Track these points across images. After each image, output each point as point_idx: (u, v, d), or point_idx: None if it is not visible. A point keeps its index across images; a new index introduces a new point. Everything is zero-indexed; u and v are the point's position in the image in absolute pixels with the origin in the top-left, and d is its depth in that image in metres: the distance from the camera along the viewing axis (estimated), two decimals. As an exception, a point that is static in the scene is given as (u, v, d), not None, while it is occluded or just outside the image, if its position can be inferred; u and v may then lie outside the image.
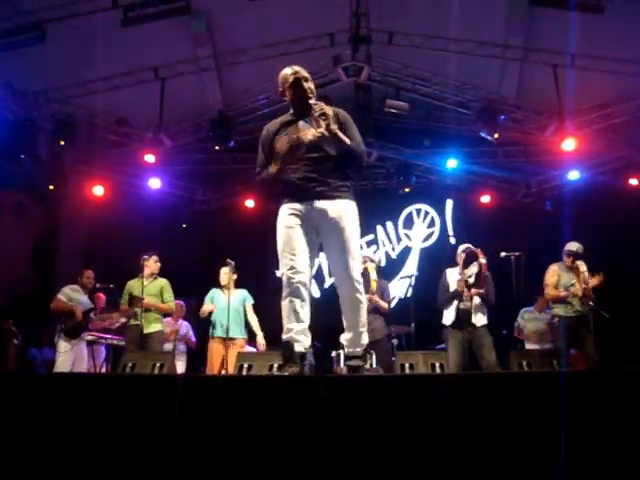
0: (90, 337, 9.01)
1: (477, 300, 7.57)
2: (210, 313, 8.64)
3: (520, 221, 12.73)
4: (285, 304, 4.51)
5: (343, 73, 11.01)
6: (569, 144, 10.99)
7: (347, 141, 4.50)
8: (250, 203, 13.80)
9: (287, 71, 4.69)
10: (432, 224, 13.98)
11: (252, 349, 9.02)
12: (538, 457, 3.54)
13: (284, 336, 4.52)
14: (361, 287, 4.58)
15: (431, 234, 14.01)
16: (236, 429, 3.75)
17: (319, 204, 4.49)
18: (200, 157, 13.29)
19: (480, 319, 7.55)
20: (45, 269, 11.82)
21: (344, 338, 4.70)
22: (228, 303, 8.25)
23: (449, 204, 14.06)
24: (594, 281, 7.76)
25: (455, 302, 7.66)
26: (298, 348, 4.47)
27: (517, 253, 8.20)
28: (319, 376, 4.80)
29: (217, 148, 11.70)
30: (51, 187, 12.30)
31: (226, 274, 8.59)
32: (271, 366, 5.58)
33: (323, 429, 3.63)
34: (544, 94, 11.10)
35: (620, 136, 11.77)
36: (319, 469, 3.58)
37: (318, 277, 14.11)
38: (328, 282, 14.09)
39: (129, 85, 10.99)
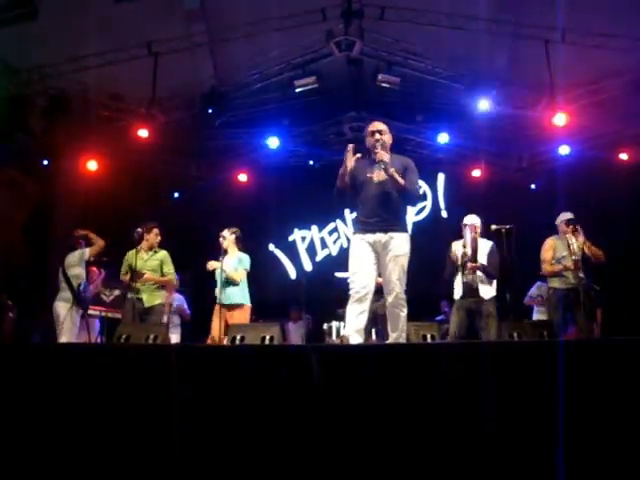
0: (89, 310, 9.15)
1: (480, 272, 7.71)
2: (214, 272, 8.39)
3: (511, 195, 12.83)
4: (350, 308, 5.70)
5: (335, 48, 11.01)
6: (560, 119, 11.01)
7: (401, 181, 5.75)
8: (243, 177, 13.88)
9: (371, 125, 6.14)
10: (424, 198, 14.03)
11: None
12: (528, 427, 3.66)
13: (344, 332, 5.80)
14: (403, 301, 5.78)
15: (423, 208, 14.09)
16: (229, 397, 3.85)
17: (381, 236, 5.74)
18: (193, 132, 13.29)
19: (487, 291, 7.70)
20: (39, 244, 11.85)
21: (391, 337, 5.81)
22: (221, 268, 8.15)
23: (441, 178, 14.15)
24: (580, 238, 7.84)
25: (459, 275, 7.79)
26: (352, 341, 5.52)
27: (508, 226, 8.23)
28: (311, 345, 4.91)
29: (210, 111, 11.63)
30: (45, 162, 12.33)
31: (224, 239, 8.47)
32: (263, 337, 5.68)
33: (317, 396, 3.73)
34: (535, 69, 11.10)
35: (611, 111, 11.79)
36: (314, 435, 3.69)
37: (310, 251, 14.20)
38: (320, 255, 14.19)
39: (122, 61, 10.92)
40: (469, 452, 3.63)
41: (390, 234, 5.74)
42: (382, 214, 5.78)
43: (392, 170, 5.74)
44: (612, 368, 3.74)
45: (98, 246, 9.21)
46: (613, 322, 9.60)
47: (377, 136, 5.98)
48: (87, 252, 9.21)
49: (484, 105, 11.29)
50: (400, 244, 5.76)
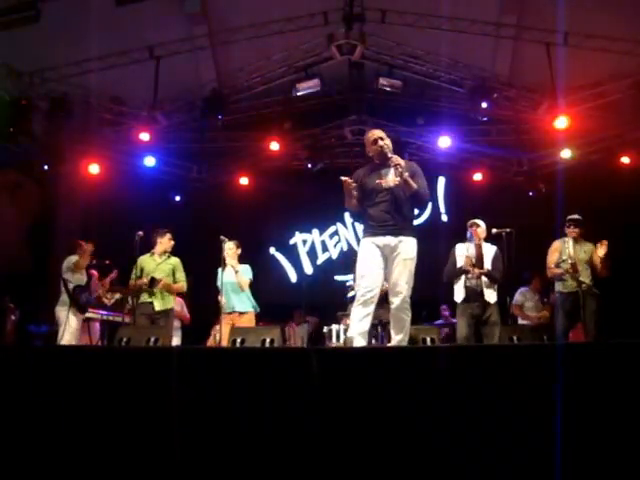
0: (90, 314, 9.17)
1: (485, 277, 7.69)
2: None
3: (512, 198, 12.83)
4: (355, 310, 5.70)
5: (337, 51, 11.02)
6: (561, 122, 11.03)
7: (414, 186, 5.73)
8: (244, 181, 13.85)
9: (370, 134, 6.09)
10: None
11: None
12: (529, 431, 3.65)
13: (348, 333, 5.70)
14: (408, 305, 5.75)
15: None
16: (229, 399, 3.85)
17: (390, 240, 5.71)
18: (195, 135, 13.30)
19: (491, 295, 7.66)
20: (42, 247, 11.86)
21: (395, 340, 5.81)
22: (222, 279, 8.22)
23: (441, 181, 14.14)
24: (600, 251, 7.89)
25: (463, 279, 7.76)
26: (356, 344, 5.50)
27: (508, 230, 8.24)
28: (312, 348, 4.92)
29: (213, 114, 11.69)
30: (46, 166, 12.34)
31: (229, 249, 8.51)
32: (264, 340, 5.68)
33: (318, 398, 3.73)
34: (537, 72, 11.12)
35: (612, 114, 11.79)
36: (315, 438, 3.69)
37: (311, 254, 14.20)
38: (321, 259, 14.19)
39: (124, 64, 10.93)
40: (470, 454, 3.63)
41: (400, 238, 5.71)
42: (392, 219, 5.75)
43: (406, 174, 5.71)
44: (611, 371, 3.74)
45: (84, 251, 9.20)
46: (612, 325, 9.59)
47: (381, 142, 5.92)
48: (74, 257, 9.19)
49: (484, 108, 11.29)
50: (409, 248, 5.75)
